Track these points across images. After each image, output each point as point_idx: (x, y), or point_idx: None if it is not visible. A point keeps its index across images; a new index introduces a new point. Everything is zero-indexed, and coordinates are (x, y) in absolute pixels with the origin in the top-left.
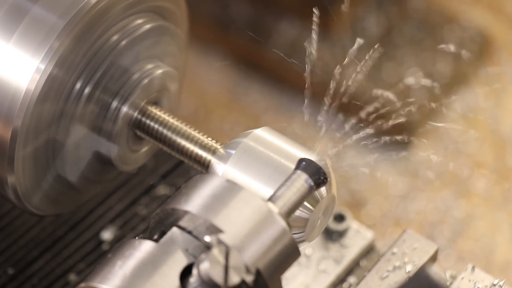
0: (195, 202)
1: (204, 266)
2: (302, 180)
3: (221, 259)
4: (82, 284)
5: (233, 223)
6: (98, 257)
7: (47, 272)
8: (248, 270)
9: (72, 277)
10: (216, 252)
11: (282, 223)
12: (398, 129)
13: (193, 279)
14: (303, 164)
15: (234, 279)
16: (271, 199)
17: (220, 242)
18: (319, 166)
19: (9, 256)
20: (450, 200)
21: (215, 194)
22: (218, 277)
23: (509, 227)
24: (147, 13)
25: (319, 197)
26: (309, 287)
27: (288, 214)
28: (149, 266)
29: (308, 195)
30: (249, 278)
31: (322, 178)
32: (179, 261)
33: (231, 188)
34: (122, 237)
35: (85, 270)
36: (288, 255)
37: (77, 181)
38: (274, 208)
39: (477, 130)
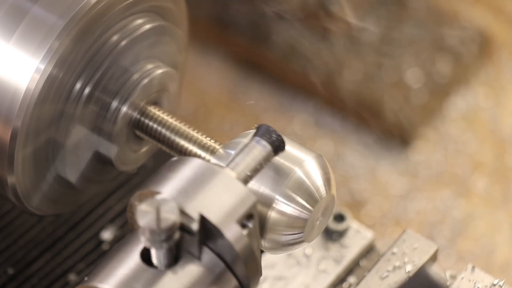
0: (153, 179)
1: (140, 223)
2: (259, 146)
3: (152, 208)
4: (82, 284)
5: (172, 183)
6: (98, 257)
7: (47, 272)
8: (189, 217)
9: (72, 277)
10: (146, 204)
11: (227, 171)
12: (398, 129)
13: (153, 254)
14: (261, 131)
15: (166, 222)
16: (228, 165)
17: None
18: (276, 132)
19: (9, 256)
20: (450, 200)
21: (170, 168)
22: (151, 224)
23: (509, 227)
24: (147, 13)
25: (318, 197)
26: (309, 287)
27: (247, 179)
28: (123, 255)
29: (267, 160)
30: (194, 225)
31: (279, 143)
32: (141, 243)
33: (188, 161)
34: (122, 237)
35: (85, 270)
36: (238, 198)
37: (77, 181)
38: (231, 173)
39: (477, 130)
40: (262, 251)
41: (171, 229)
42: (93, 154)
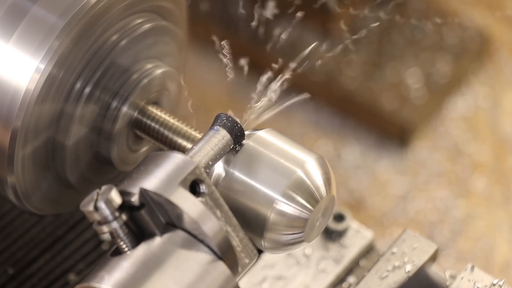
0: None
1: (84, 211)
2: (218, 135)
3: (92, 196)
4: (81, 284)
5: (129, 176)
6: (98, 257)
7: (46, 272)
8: (132, 195)
9: (72, 277)
10: (88, 196)
11: (180, 156)
12: (398, 129)
13: (119, 245)
14: (219, 119)
15: (102, 198)
16: (188, 153)
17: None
18: (235, 120)
19: (9, 256)
20: (450, 200)
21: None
22: (90, 207)
23: (509, 227)
24: (146, 13)
25: (318, 197)
26: (308, 287)
27: (206, 166)
28: None
29: (226, 148)
30: (133, 198)
31: (238, 131)
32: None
33: (155, 155)
34: None
35: (84, 270)
36: (177, 166)
37: (77, 181)
38: (187, 158)
39: (477, 130)
40: (261, 251)
41: (109, 206)
42: (93, 154)
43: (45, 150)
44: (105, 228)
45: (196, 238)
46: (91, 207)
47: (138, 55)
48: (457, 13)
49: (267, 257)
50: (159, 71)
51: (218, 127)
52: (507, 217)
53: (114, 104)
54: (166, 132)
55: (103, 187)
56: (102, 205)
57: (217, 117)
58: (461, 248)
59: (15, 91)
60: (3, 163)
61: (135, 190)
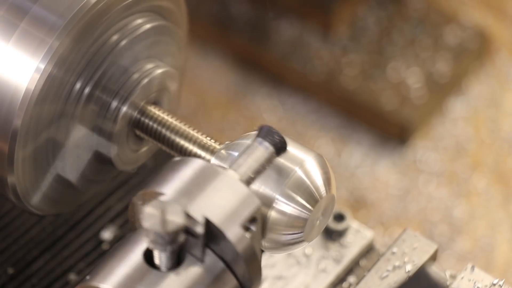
0: (155, 179)
1: (145, 225)
2: (262, 147)
3: (157, 211)
4: (83, 284)
5: (175, 184)
6: (98, 256)
7: (47, 272)
8: (193, 220)
9: (72, 276)
10: (152, 206)
11: (231, 173)
12: (398, 128)
13: (155, 255)
14: (263, 131)
15: (172, 225)
16: (231, 167)
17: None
18: (279, 132)
19: (9, 256)
20: (450, 200)
21: (172, 169)
22: (156, 227)
23: (509, 227)
24: (147, 13)
25: (318, 196)
26: (308, 286)
27: (249, 180)
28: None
29: (269, 161)
30: (199, 228)
31: (281, 144)
32: (143, 243)
33: (190, 162)
34: (122, 237)
35: (85, 270)
36: (242, 201)
37: (77, 181)
38: (234, 174)
39: (477, 130)
40: (262, 251)
41: (176, 232)
42: (93, 154)
43: (45, 150)
44: (154, 246)
45: (232, 273)
46: (157, 228)
47: (138, 55)
48: (457, 13)
49: (267, 256)
50: (159, 71)
51: (260, 139)
52: (507, 217)
53: (114, 104)
54: (166, 132)
55: (167, 202)
56: (170, 229)
57: (261, 128)
58: (461, 248)
59: (15, 91)
60: (3, 163)
61: (198, 216)
